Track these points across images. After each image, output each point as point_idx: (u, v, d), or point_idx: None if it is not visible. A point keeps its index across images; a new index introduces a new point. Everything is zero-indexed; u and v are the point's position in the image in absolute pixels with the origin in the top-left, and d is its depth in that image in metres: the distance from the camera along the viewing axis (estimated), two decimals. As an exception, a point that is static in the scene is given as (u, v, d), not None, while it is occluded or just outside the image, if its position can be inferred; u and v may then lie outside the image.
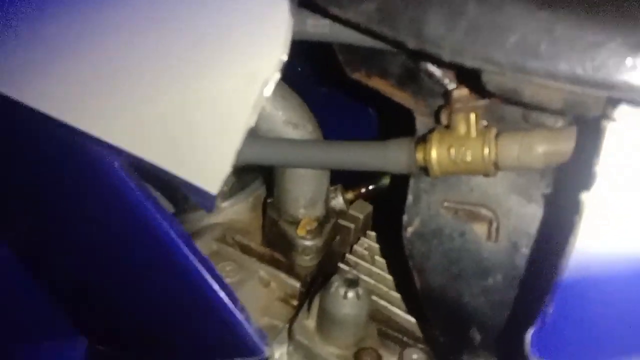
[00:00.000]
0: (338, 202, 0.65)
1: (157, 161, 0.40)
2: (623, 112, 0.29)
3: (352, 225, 0.68)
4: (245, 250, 0.64)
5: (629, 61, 0.29)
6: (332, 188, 0.64)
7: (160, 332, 0.48)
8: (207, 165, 0.38)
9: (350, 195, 0.66)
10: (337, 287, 0.50)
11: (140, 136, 0.40)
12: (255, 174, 0.68)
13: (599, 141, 0.29)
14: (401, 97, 0.46)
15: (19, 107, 0.40)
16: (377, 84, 0.47)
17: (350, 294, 0.50)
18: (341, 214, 0.65)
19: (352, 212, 0.68)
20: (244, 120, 0.36)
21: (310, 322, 0.54)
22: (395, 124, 0.49)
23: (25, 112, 0.40)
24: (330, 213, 0.63)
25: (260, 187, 0.69)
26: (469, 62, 0.33)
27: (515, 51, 0.32)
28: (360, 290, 0.50)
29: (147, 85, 0.38)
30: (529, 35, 0.31)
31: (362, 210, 0.69)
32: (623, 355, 0.33)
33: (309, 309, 0.54)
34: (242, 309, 0.42)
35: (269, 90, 0.35)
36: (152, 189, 0.46)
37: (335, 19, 0.36)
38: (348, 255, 0.65)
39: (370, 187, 0.69)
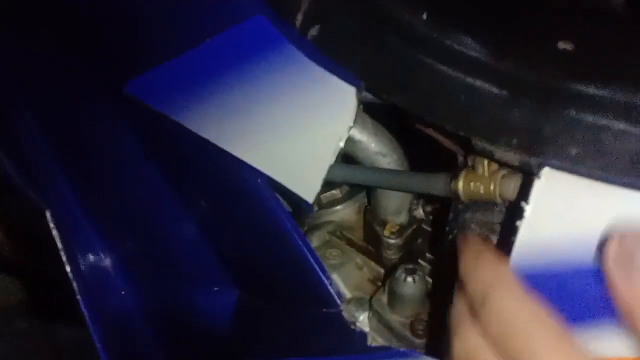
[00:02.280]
0: (419, 212, 0.85)
1: (281, 180, 0.65)
2: (545, 173, 0.47)
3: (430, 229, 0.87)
4: (349, 242, 0.87)
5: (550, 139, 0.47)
6: (415, 201, 0.84)
7: (280, 288, 0.74)
8: (307, 183, 0.62)
9: (428, 207, 0.86)
10: (400, 273, 0.71)
11: (273, 163, 0.65)
12: (361, 187, 0.91)
13: (529, 190, 0.47)
14: (447, 143, 0.66)
15: (206, 143, 0.69)
16: (431, 132, 0.67)
17: (409, 279, 0.71)
18: (422, 221, 0.85)
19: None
20: (328, 159, 0.60)
21: (384, 297, 0.75)
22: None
23: (210, 146, 0.69)
24: (412, 220, 0.84)
25: (364, 197, 0.92)
26: (463, 133, 0.53)
27: (487, 129, 0.50)
28: (417, 277, 0.71)
29: (276, 133, 0.64)
30: (495, 117, 0.50)
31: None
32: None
33: (384, 288, 0.76)
34: (328, 277, 0.66)
35: (342, 144, 0.59)
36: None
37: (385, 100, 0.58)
38: (427, 254, 0.85)
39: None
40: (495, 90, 0.50)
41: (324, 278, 0.65)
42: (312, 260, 0.65)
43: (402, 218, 0.83)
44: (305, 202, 0.63)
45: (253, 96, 0.64)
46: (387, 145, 0.78)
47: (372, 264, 0.83)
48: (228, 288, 0.79)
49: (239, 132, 0.67)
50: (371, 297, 0.77)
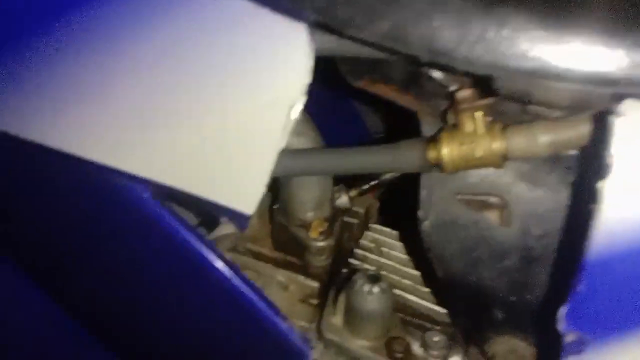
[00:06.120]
0: (342, 200, 0.67)
1: (190, 189, 0.41)
2: (629, 106, 0.33)
3: (355, 221, 0.71)
4: (259, 257, 0.66)
5: (630, 59, 0.33)
6: (335, 188, 0.67)
7: (208, 350, 0.50)
8: (243, 188, 0.40)
9: (353, 192, 0.69)
10: (361, 284, 0.53)
11: (172, 167, 0.41)
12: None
13: (609, 135, 0.33)
14: (405, 100, 0.49)
15: (45, 150, 0.41)
16: (380, 90, 0.50)
17: (375, 290, 0.53)
18: (346, 211, 0.68)
19: (354, 207, 0.71)
20: (275, 143, 0.38)
21: (337, 319, 0.57)
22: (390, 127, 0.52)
23: (52, 155, 0.41)
24: (336, 212, 0.66)
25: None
26: (481, 71, 0.36)
27: (525, 58, 0.34)
28: (384, 285, 0.53)
29: (175, 119, 0.40)
30: (536, 42, 0.34)
31: (362, 205, 0.73)
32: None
33: (334, 307, 0.57)
34: (284, 318, 0.44)
35: (295, 113, 0.37)
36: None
37: (351, 38, 0.38)
38: (356, 250, 0.68)
39: (372, 183, 0.72)
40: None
41: (281, 324, 0.43)
42: (259, 303, 0.43)
43: (326, 211, 0.64)
44: (241, 216, 0.40)
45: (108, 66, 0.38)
46: (301, 121, 0.58)
47: (300, 278, 0.63)
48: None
49: (101, 128, 0.41)
50: (318, 323, 0.58)
